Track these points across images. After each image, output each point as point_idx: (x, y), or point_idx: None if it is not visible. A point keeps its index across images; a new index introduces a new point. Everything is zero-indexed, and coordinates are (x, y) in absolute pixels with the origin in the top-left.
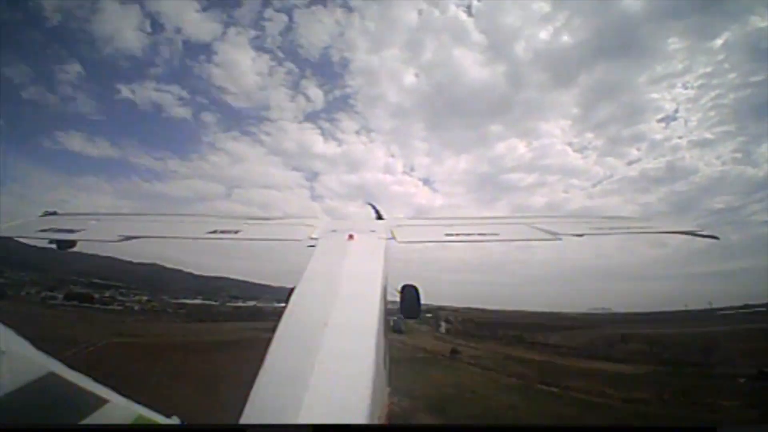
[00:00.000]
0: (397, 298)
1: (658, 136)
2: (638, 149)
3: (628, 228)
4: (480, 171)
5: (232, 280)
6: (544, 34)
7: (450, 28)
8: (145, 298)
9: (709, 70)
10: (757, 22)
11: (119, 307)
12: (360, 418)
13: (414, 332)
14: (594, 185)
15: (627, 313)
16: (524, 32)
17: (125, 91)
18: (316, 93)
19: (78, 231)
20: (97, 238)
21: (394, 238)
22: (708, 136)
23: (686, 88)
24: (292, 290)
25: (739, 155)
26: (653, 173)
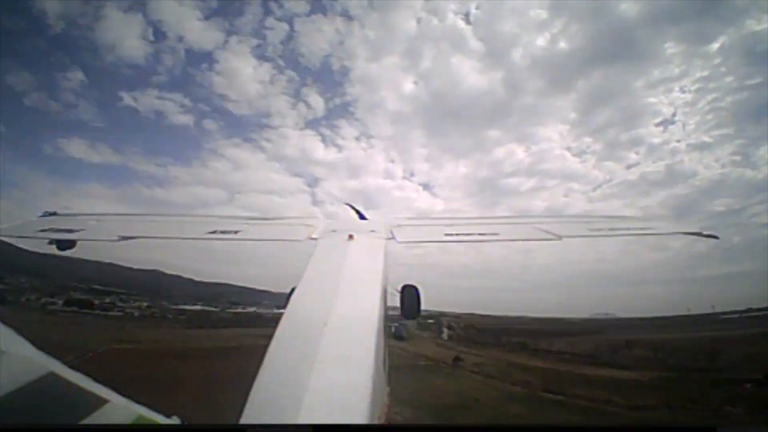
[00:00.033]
0: (398, 303)
1: (657, 140)
2: (637, 153)
3: (629, 229)
4: (479, 175)
5: (233, 286)
6: (541, 41)
7: (448, 35)
8: (145, 304)
9: (705, 73)
10: (753, 25)
11: (119, 313)
12: (360, 418)
13: (416, 339)
14: (594, 189)
15: (630, 318)
16: (522, 39)
17: (127, 99)
18: (316, 100)
19: (77, 231)
20: (97, 238)
21: (394, 238)
22: (706, 139)
23: (683, 92)
24: (292, 290)
25: (738, 158)
26: (653, 177)
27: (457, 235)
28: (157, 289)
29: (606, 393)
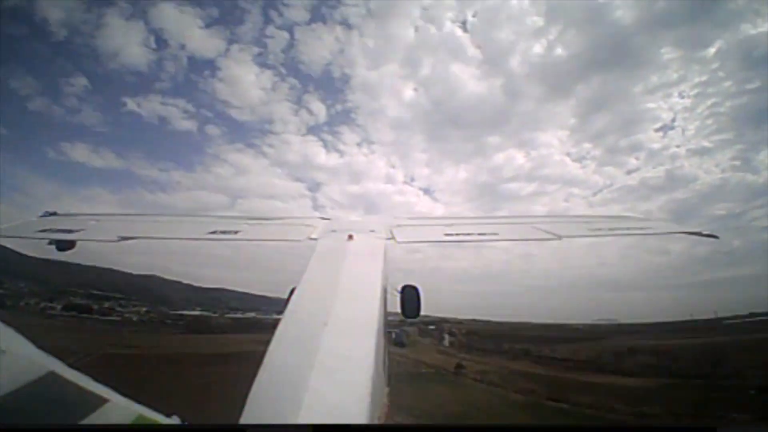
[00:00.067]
0: (398, 307)
1: (656, 145)
2: (637, 158)
3: (629, 229)
4: (480, 180)
5: (232, 291)
6: (538, 48)
7: (446, 43)
8: (144, 309)
9: (704, 78)
10: (749, 29)
11: (118, 318)
12: (359, 418)
13: (417, 345)
14: (594, 194)
15: (632, 323)
16: (519, 46)
17: (131, 104)
18: (318, 107)
19: (77, 231)
20: (97, 239)
21: (393, 238)
22: (706, 144)
23: (682, 97)
24: (292, 290)
25: (738, 162)
26: (653, 182)
27: (457, 235)
28: (156, 294)
29: (611, 401)
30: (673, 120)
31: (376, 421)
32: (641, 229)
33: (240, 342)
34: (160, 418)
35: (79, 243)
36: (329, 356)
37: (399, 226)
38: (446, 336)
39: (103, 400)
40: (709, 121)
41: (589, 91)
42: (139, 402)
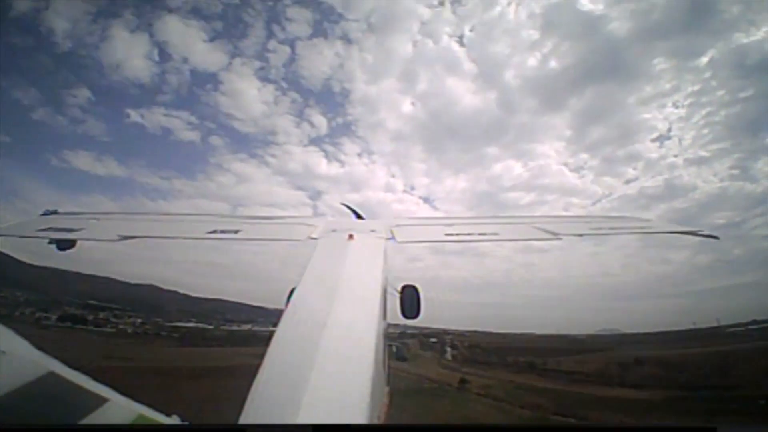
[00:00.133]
0: (399, 313)
1: (654, 155)
2: (635, 168)
3: (629, 228)
4: (479, 190)
5: (228, 302)
6: (533, 61)
7: (443, 58)
8: (139, 320)
9: (697, 88)
10: (741, 38)
11: (112, 330)
12: (359, 417)
13: (418, 359)
14: (594, 203)
15: (636, 333)
16: (514, 60)
17: (134, 115)
18: (319, 120)
19: (77, 230)
20: (97, 238)
21: (393, 237)
22: (703, 153)
23: (677, 107)
24: (292, 290)
25: (736, 171)
26: (652, 191)
27: (457, 235)
28: (152, 304)
29: (619, 415)
30: (669, 130)
31: (376, 421)
32: (641, 228)
33: (235, 355)
34: (161, 418)
35: (78, 246)
36: (329, 356)
37: (399, 226)
38: (448, 349)
39: (103, 400)
40: (705, 131)
41: (584, 102)
42: (139, 401)
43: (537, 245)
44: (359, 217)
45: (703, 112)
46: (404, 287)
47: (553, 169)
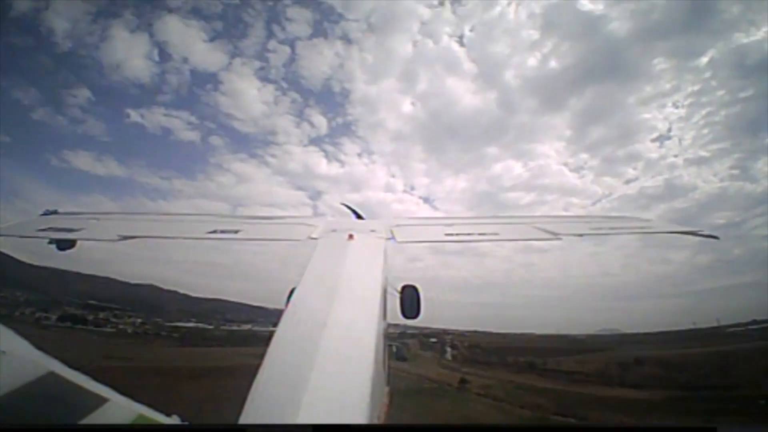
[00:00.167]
0: (399, 314)
1: (654, 155)
2: (635, 168)
3: (629, 228)
4: (479, 190)
5: (228, 302)
6: (533, 61)
7: (443, 58)
8: (139, 320)
9: (697, 88)
10: (741, 38)
11: (112, 330)
12: (359, 417)
13: (418, 359)
14: (594, 203)
15: (636, 333)
16: (514, 60)
17: (134, 115)
18: (319, 120)
19: (77, 230)
20: (97, 238)
21: (393, 238)
22: (703, 153)
23: (677, 107)
24: (292, 290)
25: (736, 171)
26: (652, 191)
27: (457, 234)
28: (152, 304)
29: (619, 415)
30: (669, 130)
31: (376, 421)
32: (641, 228)
33: (235, 355)
34: (161, 418)
35: (78, 246)
36: (329, 356)
37: (399, 226)
38: (448, 349)
39: (103, 400)
40: (705, 131)
41: (584, 102)
42: (139, 401)
43: (537, 245)
44: (359, 217)
45: (703, 112)
46: (404, 287)
47: (553, 169)
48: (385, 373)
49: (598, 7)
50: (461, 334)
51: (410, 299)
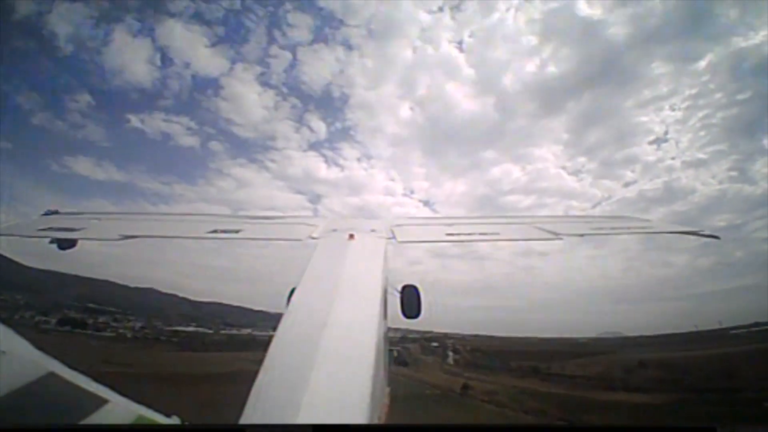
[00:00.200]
0: (399, 314)
1: (651, 158)
2: (633, 171)
3: (629, 228)
4: (478, 193)
5: (228, 305)
6: (531, 66)
7: (442, 63)
8: (138, 324)
9: (694, 91)
10: (739, 42)
11: (112, 334)
12: (360, 417)
13: (420, 364)
14: (593, 206)
15: (638, 336)
16: (512, 65)
17: (134, 120)
18: (319, 125)
19: (78, 230)
20: (98, 237)
21: (394, 237)
22: (701, 156)
23: (674, 110)
24: (292, 290)
25: (735, 173)
26: (651, 194)
27: (458, 234)
28: (152, 308)
29: (624, 419)
30: (666, 133)
31: (376, 421)
32: (642, 228)
33: (235, 360)
34: (160, 418)
35: (78, 248)
36: (329, 356)
37: (400, 226)
38: (450, 353)
39: (103, 400)
40: (703, 133)
41: (582, 106)
42: (139, 402)
43: (538, 248)
44: None
45: (701, 114)
46: (404, 287)
47: (551, 173)
48: (385, 373)
49: (597, 13)
50: (463, 338)
51: (410, 299)
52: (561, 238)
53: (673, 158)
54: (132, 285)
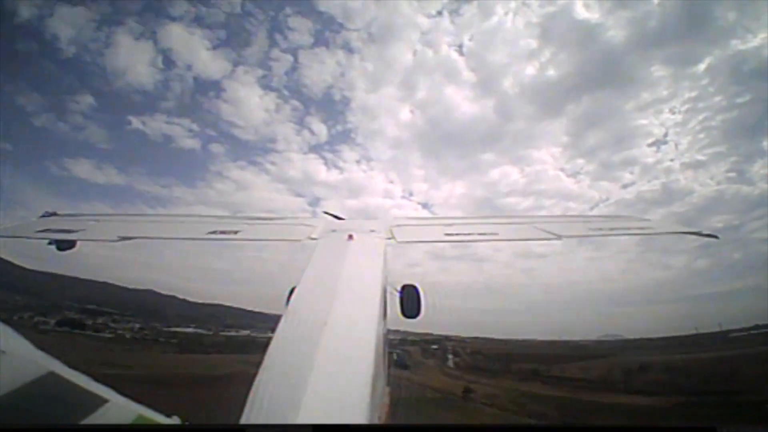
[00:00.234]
0: (399, 314)
1: (650, 160)
2: (631, 173)
3: (629, 228)
4: (476, 195)
5: (226, 307)
6: (530, 69)
7: (442, 66)
8: (137, 325)
9: (694, 94)
10: (738, 45)
11: (111, 335)
12: (360, 417)
13: (420, 367)
14: (591, 208)
15: (638, 339)
16: (512, 68)
17: (135, 123)
18: (319, 128)
19: (77, 231)
20: (97, 239)
21: (393, 238)
22: (700, 157)
23: (674, 113)
24: (292, 290)
25: (733, 175)
26: (649, 195)
27: (457, 234)
28: (151, 309)
29: (625, 422)
30: (666, 135)
31: (376, 421)
32: (641, 228)
33: (234, 362)
34: (160, 418)
35: (77, 250)
36: (329, 356)
37: (399, 226)
38: (450, 356)
39: (103, 400)
40: (702, 136)
41: (581, 109)
42: (139, 401)
43: (537, 250)
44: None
45: (700, 117)
46: (404, 287)
47: (550, 175)
48: (385, 373)
49: (595, 16)
50: (462, 341)
51: (410, 298)
52: (560, 238)
53: (671, 160)
54: (131, 287)
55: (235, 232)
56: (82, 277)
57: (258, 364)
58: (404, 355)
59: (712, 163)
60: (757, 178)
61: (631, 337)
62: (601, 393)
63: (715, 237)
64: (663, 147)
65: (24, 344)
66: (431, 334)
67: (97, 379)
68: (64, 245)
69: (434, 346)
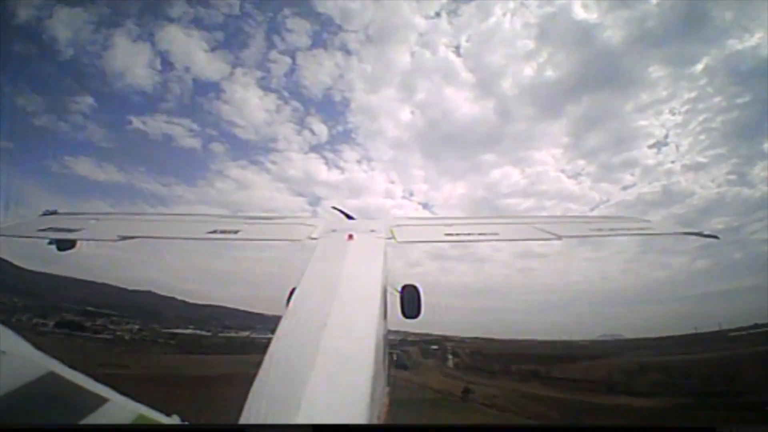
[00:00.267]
0: (399, 314)
1: (651, 162)
2: (632, 174)
3: (629, 229)
4: (477, 196)
5: (226, 308)
6: (529, 70)
7: (441, 67)
8: (136, 327)
9: (693, 95)
10: (736, 45)
11: (109, 336)
12: (359, 418)
13: (420, 367)
14: (592, 209)
15: (638, 339)
16: (510, 69)
17: (136, 123)
18: (320, 128)
19: (77, 231)
20: (97, 238)
21: (393, 238)
22: (701, 159)
23: (673, 114)
24: (292, 290)
25: (734, 176)
26: (650, 197)
27: (457, 235)
28: (150, 311)
29: (626, 423)
30: (666, 136)
31: (376, 421)
32: (641, 229)
33: (234, 363)
34: (161, 418)
35: (77, 251)
36: (329, 356)
37: (399, 226)
38: (450, 357)
39: (103, 400)
40: (702, 137)
41: (580, 110)
42: (139, 401)
43: (537, 250)
44: (350, 218)
45: (700, 118)
46: (404, 287)
47: (550, 176)
48: (385, 373)
49: (593, 16)
50: (462, 341)
51: (410, 298)
52: (560, 239)
53: (672, 162)
54: (130, 288)
55: (236, 232)
56: (82, 278)
57: (257, 365)
58: (404, 356)
59: (713, 165)
60: (757, 180)
61: (631, 336)
62: (602, 394)
63: (716, 237)
64: (663, 149)
65: (24, 344)
66: (431, 335)
67: (96, 380)
68: (65, 245)
69: (434, 347)
